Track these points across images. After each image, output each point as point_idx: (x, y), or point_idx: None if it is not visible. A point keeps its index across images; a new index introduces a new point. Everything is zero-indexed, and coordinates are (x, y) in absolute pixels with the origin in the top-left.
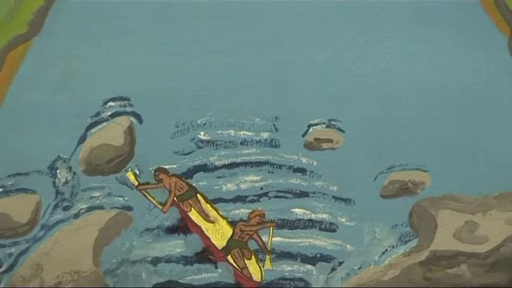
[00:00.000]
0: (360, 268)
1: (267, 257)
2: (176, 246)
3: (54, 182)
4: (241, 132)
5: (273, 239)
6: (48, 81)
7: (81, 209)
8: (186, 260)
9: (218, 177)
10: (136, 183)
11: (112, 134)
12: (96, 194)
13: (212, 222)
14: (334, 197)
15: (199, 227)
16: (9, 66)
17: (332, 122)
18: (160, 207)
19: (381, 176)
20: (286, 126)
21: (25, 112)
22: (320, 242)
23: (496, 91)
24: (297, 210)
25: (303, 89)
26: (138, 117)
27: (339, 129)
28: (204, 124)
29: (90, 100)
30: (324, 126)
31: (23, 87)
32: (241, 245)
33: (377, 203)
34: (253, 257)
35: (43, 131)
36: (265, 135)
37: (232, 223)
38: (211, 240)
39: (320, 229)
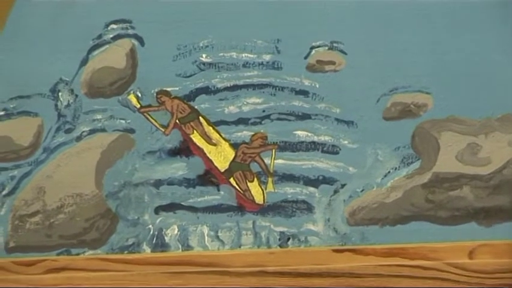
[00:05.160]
0: (362, 190)
1: (269, 179)
2: (178, 168)
3: (56, 105)
4: (244, 55)
5: (275, 161)
6: (50, 3)
7: (83, 132)
8: (188, 183)
9: (220, 99)
10: (138, 106)
11: (114, 56)
12: (98, 116)
13: (214, 144)
14: (336, 119)
15: (201, 150)
16: None
17: (334, 44)
18: (163, 130)
19: (384, 98)
20: (289, 49)
21: (27, 35)
22: (322, 164)
23: (500, 13)
24: (299, 132)
25: (304, 11)
26: (140, 39)
27: (341, 51)
28: (206, 46)
29: (92, 22)
30: (326, 48)
31: (25, 10)
32: (244, 167)
33: (379, 125)
34: (255, 179)
35: (45, 53)
36: (267, 57)
37: (235, 145)
38: (214, 162)
39: (322, 151)
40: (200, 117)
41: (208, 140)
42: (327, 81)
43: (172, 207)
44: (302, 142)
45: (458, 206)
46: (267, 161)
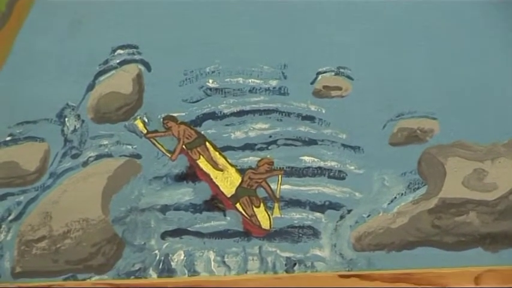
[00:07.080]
0: (368, 216)
1: (276, 204)
2: (185, 194)
3: (62, 130)
4: (250, 80)
5: (281, 186)
6: (56, 29)
7: (89, 157)
8: (194, 208)
9: (227, 125)
10: (145, 131)
11: (120, 82)
12: (105, 141)
13: (221, 170)
14: (343, 144)
15: (208, 175)
16: (17, 15)
17: (341, 70)
18: (169, 155)
19: (390, 123)
20: (295, 74)
21: (33, 60)
22: (329, 189)
23: (507, 39)
24: (305, 158)
25: (311, 37)
26: (146, 65)
27: (348, 77)
28: (213, 72)
29: (98, 48)
30: (333, 73)
31: (31, 36)
32: (250, 192)
33: (386, 150)
34: (262, 204)
35: (51, 79)
36: (273, 82)
37: (241, 171)
38: (220, 188)
39: (329, 177)
40: (207, 143)
41: (214, 165)
42: (334, 107)
43: (178, 232)
44: (308, 167)
45: (464, 231)
46: (273, 186)
